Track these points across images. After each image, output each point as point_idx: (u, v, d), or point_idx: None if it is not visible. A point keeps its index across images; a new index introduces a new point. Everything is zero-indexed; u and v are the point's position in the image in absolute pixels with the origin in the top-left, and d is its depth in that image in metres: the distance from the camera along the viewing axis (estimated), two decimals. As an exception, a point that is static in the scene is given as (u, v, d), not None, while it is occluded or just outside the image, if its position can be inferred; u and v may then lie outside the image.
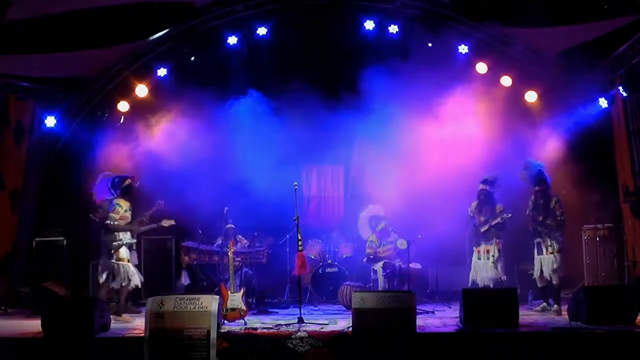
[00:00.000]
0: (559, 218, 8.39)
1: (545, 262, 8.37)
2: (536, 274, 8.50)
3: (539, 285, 8.58)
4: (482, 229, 8.74)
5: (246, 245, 9.71)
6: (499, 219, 8.60)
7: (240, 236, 9.75)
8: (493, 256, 8.64)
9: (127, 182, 8.69)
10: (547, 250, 8.38)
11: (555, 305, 8.22)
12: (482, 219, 8.80)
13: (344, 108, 10.35)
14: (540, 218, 8.44)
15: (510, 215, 8.58)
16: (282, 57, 10.82)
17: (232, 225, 9.66)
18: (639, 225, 9.28)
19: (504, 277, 8.69)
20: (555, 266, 8.27)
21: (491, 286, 8.56)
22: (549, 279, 8.36)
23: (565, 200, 8.82)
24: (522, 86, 10.72)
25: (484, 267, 8.72)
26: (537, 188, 8.56)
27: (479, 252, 8.84)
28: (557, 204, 8.46)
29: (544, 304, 8.50)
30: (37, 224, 10.49)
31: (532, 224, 8.56)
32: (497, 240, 8.71)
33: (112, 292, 8.70)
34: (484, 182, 8.92)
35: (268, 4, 10.79)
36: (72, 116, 10.95)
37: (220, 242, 9.53)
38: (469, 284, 8.86)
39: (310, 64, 10.71)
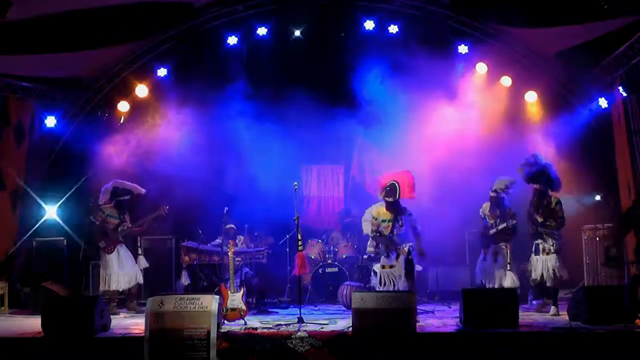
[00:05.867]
0: (560, 219, 8.27)
1: (541, 262, 8.28)
2: (533, 273, 8.39)
3: (536, 284, 8.48)
4: (491, 232, 8.65)
5: (246, 246, 9.71)
6: (505, 224, 8.48)
7: (240, 236, 9.75)
8: (509, 263, 8.46)
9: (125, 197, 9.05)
10: (543, 251, 8.27)
11: (553, 307, 8.13)
12: (492, 221, 8.67)
13: (343, 108, 10.38)
14: (541, 219, 8.29)
15: (515, 222, 8.44)
16: (282, 57, 10.84)
17: (233, 226, 9.65)
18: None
19: (518, 283, 8.52)
20: (552, 267, 8.16)
21: None
22: (544, 279, 8.27)
23: (566, 200, 8.75)
24: (522, 86, 10.72)
25: (490, 269, 8.62)
26: (535, 186, 8.37)
27: (485, 253, 8.73)
28: (557, 205, 8.31)
29: (548, 301, 8.36)
30: (37, 224, 10.49)
31: (533, 226, 8.38)
32: (506, 245, 8.55)
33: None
34: (494, 190, 8.67)
35: (268, 4, 10.80)
36: (72, 116, 10.94)
37: (220, 242, 9.53)
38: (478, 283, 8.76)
39: (310, 64, 10.71)
